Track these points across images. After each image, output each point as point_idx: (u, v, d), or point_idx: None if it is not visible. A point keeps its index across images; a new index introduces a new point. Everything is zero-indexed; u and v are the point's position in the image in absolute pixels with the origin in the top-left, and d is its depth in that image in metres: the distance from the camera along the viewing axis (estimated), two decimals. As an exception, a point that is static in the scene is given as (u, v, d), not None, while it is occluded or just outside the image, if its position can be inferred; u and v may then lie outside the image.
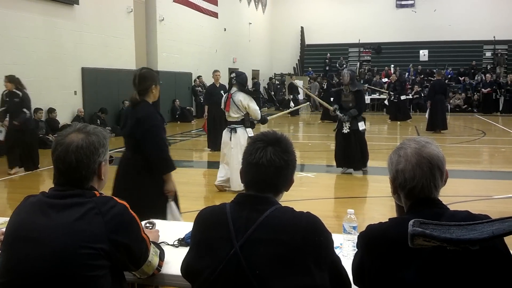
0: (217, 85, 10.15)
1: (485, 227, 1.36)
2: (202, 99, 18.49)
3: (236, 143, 6.53)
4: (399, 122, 17.30)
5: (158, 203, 3.62)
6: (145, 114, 3.59)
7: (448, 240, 1.33)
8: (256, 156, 1.66)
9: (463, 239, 1.33)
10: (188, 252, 1.75)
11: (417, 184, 1.60)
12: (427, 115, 14.17)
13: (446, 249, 1.39)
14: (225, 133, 6.74)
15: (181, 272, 1.76)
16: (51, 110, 12.10)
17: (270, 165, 1.65)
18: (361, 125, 7.80)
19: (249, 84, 24.01)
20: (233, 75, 6.65)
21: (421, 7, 27.04)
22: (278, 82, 26.37)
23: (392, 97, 18.23)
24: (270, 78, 26.85)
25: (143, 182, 3.61)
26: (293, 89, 20.64)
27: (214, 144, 9.64)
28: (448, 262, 1.48)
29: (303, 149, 10.60)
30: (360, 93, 7.93)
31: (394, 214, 1.78)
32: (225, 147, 6.74)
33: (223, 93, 9.78)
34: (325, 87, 18.69)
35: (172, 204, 3.69)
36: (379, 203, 6.26)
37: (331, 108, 8.02)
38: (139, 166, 3.62)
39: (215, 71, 10.94)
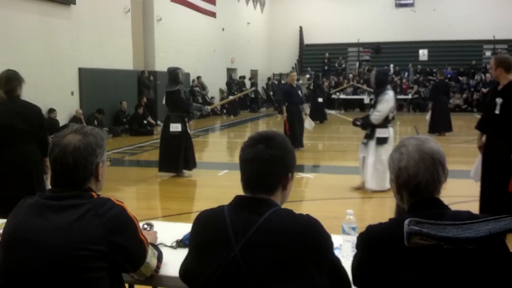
0: (294, 85, 10.64)
1: (481, 226, 1.37)
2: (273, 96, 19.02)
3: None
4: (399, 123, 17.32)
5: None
6: (37, 106, 4.29)
7: (445, 238, 1.34)
8: (246, 153, 1.66)
9: (460, 237, 1.33)
10: (186, 256, 1.74)
11: (422, 179, 1.59)
12: (428, 117, 13.49)
13: (444, 248, 1.39)
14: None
15: (180, 276, 1.74)
16: (51, 110, 12.04)
17: (254, 160, 1.64)
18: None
19: (247, 84, 24.07)
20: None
21: (421, 6, 27.03)
22: (276, 82, 26.37)
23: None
24: (269, 78, 26.82)
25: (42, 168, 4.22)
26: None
27: (300, 141, 10.39)
28: (447, 261, 1.48)
29: (301, 149, 10.57)
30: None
31: (393, 215, 1.77)
32: None
33: (300, 93, 10.58)
34: (311, 87, 18.63)
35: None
36: (378, 204, 6.25)
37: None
38: (40, 154, 4.17)
39: (292, 71, 11.61)
